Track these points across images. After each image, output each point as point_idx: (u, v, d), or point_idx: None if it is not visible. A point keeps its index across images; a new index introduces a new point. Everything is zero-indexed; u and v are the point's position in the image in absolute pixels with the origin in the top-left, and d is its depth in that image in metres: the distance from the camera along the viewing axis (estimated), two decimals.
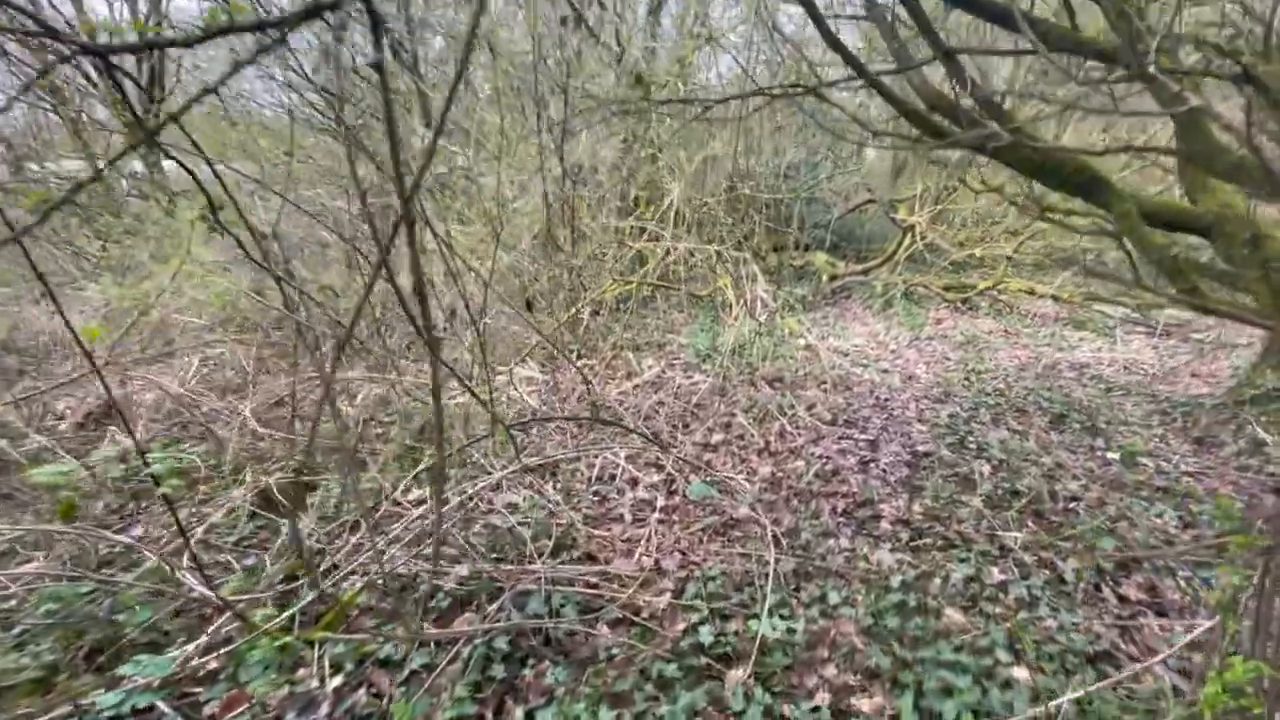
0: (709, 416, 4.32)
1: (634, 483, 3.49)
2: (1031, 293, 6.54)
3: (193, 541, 2.66)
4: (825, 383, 5.07)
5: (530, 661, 2.14)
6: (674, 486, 3.44)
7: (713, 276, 6.33)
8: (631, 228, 5.60)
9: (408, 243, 1.31)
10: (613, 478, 3.55)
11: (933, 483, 3.44)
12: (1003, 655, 2.14)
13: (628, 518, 3.17)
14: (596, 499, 3.31)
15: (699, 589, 2.53)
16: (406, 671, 2.10)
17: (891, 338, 6.46)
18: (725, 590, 2.54)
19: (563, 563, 2.67)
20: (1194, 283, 3.64)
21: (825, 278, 8.15)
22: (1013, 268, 7.00)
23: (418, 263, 1.32)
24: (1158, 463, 3.67)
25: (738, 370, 5.21)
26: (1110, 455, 3.76)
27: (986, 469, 3.59)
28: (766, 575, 2.59)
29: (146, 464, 2.02)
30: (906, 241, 7.71)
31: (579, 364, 5.50)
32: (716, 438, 4.03)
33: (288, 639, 2.16)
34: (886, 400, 4.76)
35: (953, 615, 2.37)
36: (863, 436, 4.11)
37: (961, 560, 2.71)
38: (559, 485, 3.40)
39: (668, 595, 2.51)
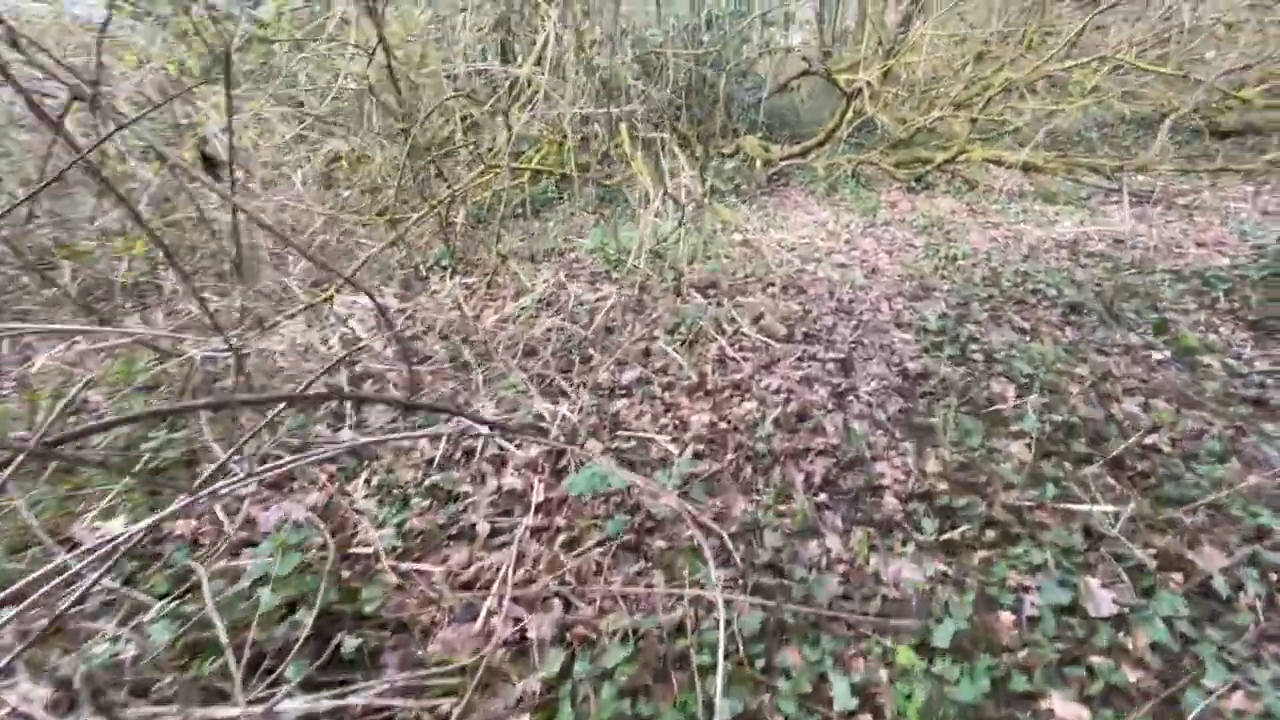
0: (619, 344, 2.99)
1: (500, 464, 2.17)
2: (999, 163, 5.38)
3: None
4: (772, 285, 3.80)
5: None
6: (563, 463, 2.14)
7: (624, 159, 4.84)
8: (490, 77, 3.96)
9: None
10: (469, 456, 2.22)
11: (944, 419, 2.27)
12: None
13: (482, 529, 1.87)
14: (435, 499, 1.99)
15: (589, 687, 1.29)
16: None
17: (842, 226, 5.22)
18: (639, 683, 1.31)
19: (326, 669, 1.36)
20: None
21: (759, 164, 6.75)
22: (975, 136, 5.79)
23: None
24: (1222, 360, 2.63)
25: (658, 277, 3.86)
26: (1159, 355, 2.70)
27: (1011, 391, 2.45)
28: (713, 644, 1.36)
29: None
30: (850, 114, 6.33)
31: (451, 284, 4.03)
32: (629, 375, 2.72)
33: None
34: (851, 302, 3.54)
35: (1064, 712, 1.22)
36: (830, 355, 2.90)
37: (1034, 566, 1.56)
38: (371, 481, 2.05)
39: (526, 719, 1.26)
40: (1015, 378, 2.54)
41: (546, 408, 2.39)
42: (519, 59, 5.67)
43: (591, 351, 2.94)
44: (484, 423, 1.83)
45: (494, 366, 2.74)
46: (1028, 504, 1.75)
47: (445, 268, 4.32)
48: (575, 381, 2.66)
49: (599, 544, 1.74)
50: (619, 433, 2.29)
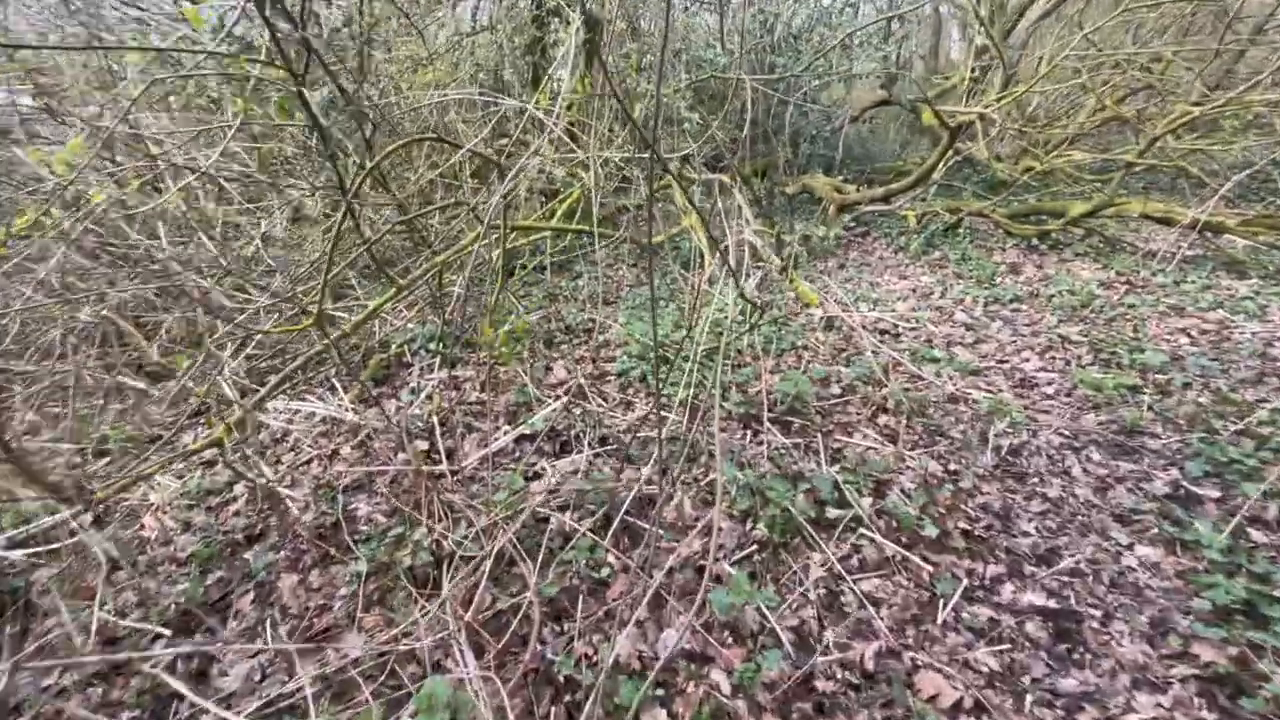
0: (650, 549, 1.75)
1: None
2: (1167, 222, 3.97)
3: None
4: (884, 409, 2.50)
5: None
6: None
7: (673, 206, 3.64)
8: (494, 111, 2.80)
9: None
10: None
11: None
12: None
13: None
14: None
15: None
16: None
17: (952, 299, 3.88)
18: None
19: None
20: None
21: (833, 209, 5.46)
22: (1128, 183, 4.37)
23: None
24: None
25: (716, 389, 2.62)
26: None
27: None
28: None
29: None
30: (950, 153, 4.99)
31: (433, 380, 2.89)
32: (668, 641, 1.47)
33: None
34: (1018, 454, 2.22)
35: None
36: (1028, 600, 1.58)
37: None
38: None
39: None
40: None
41: None
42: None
43: (610, 560, 1.69)
44: None
45: (434, 614, 1.52)
46: None
47: (432, 352, 3.19)
48: (574, 650, 1.42)
49: None
50: None
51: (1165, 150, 4.72)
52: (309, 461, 2.33)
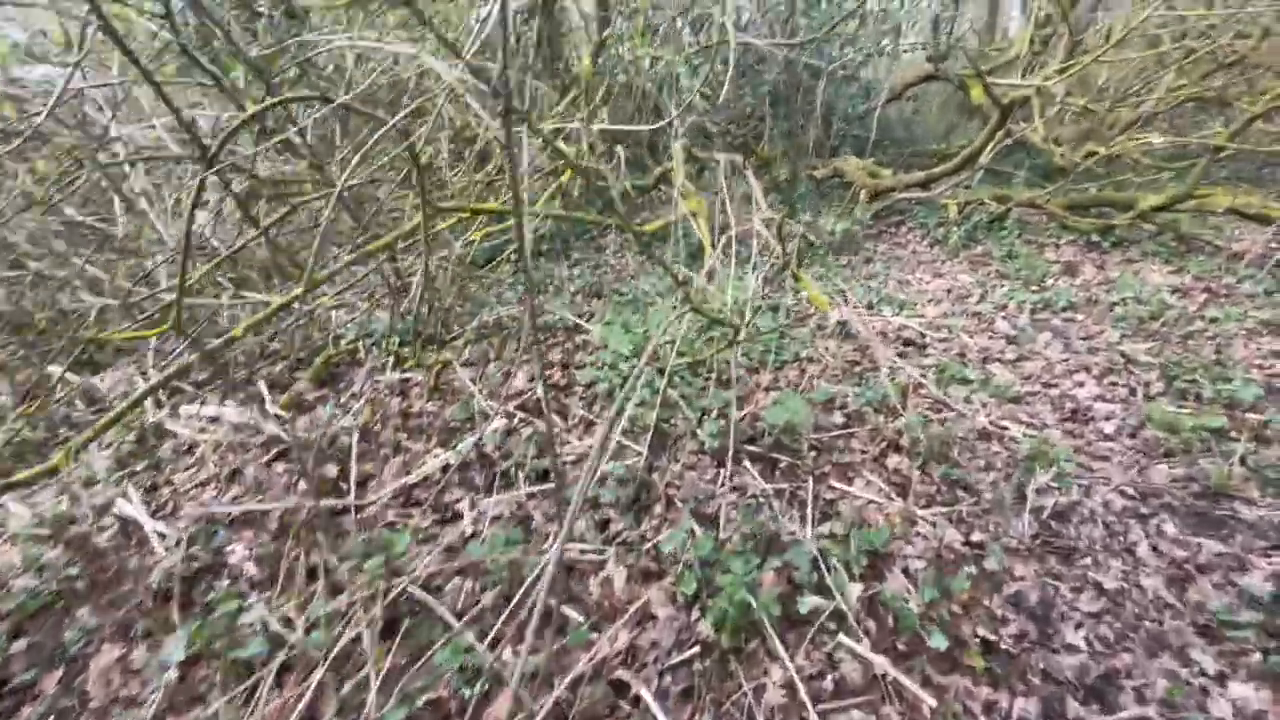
0: (544, 651, 1.32)
1: None
2: (1260, 219, 3.28)
3: None
4: (897, 444, 2.01)
5: None
6: None
7: (670, 186, 3.16)
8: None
9: None
10: None
11: None
12: None
13: None
14: None
15: None
16: None
17: (993, 304, 3.30)
18: None
19: None
20: None
21: (864, 195, 4.85)
22: (1208, 172, 3.64)
23: None
24: None
25: (691, 414, 2.15)
26: None
27: None
28: None
29: None
30: (1001, 133, 4.32)
31: (388, 381, 2.52)
32: None
33: None
34: (1064, 516, 1.70)
35: None
36: None
37: None
38: None
39: None
40: None
41: None
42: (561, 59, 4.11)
43: (507, 656, 1.28)
44: None
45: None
46: None
47: (387, 350, 2.81)
48: None
49: None
50: None
51: (1259, 134, 3.99)
52: (204, 484, 1.98)
